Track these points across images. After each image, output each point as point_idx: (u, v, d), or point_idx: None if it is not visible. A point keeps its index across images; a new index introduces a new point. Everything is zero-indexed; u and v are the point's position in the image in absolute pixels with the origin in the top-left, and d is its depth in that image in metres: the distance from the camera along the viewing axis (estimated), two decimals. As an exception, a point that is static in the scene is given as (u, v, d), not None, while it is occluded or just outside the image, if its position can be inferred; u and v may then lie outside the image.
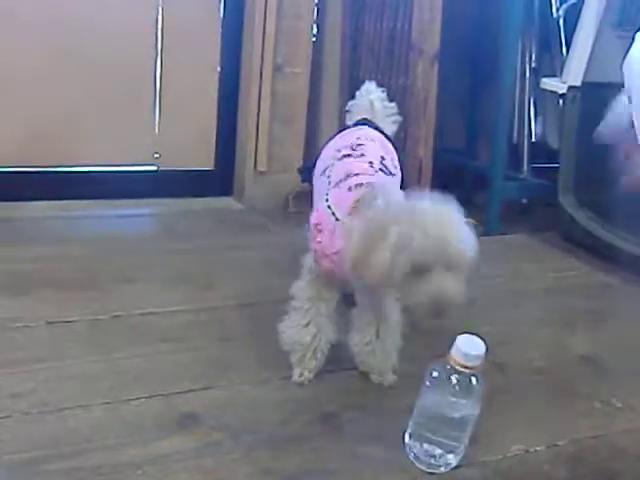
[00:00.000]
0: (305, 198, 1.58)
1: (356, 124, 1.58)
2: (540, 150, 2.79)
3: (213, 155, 2.68)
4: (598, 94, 2.30)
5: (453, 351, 1.11)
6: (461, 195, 3.09)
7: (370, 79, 1.66)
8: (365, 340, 1.40)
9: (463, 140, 3.08)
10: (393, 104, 1.66)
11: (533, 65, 2.74)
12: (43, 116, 2.39)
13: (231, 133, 2.66)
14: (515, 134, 2.78)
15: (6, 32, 2.28)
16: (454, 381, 1.11)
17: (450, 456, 1.16)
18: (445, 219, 1.16)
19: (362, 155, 1.37)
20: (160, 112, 2.55)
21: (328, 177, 1.37)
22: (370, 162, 1.36)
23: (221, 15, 2.57)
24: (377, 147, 1.43)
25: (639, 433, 1.33)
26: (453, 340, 1.12)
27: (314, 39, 2.63)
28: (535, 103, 2.76)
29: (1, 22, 2.27)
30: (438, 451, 1.15)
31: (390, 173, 1.40)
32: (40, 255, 1.93)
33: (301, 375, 1.38)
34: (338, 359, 1.44)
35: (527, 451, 1.24)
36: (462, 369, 1.10)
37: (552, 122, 2.69)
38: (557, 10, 2.69)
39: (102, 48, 2.40)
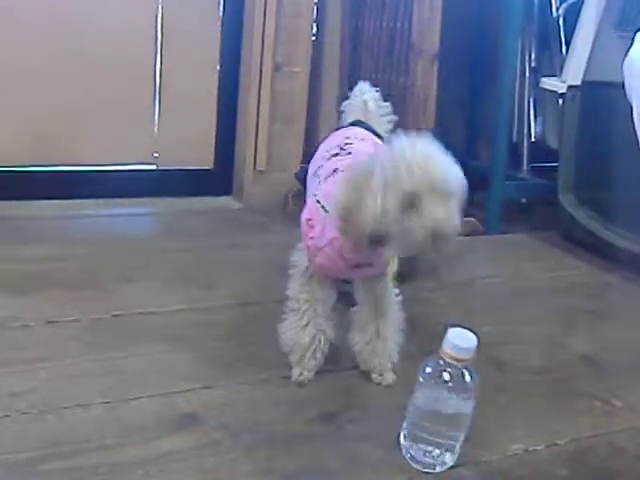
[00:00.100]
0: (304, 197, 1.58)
1: (351, 125, 1.58)
2: (540, 149, 2.79)
3: (212, 154, 2.68)
4: (598, 93, 2.31)
5: (444, 344, 1.11)
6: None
7: (370, 79, 1.66)
8: (366, 339, 1.40)
9: (463, 139, 3.08)
10: (387, 104, 1.66)
11: (533, 64, 2.74)
12: (43, 116, 2.39)
13: (230, 132, 2.66)
14: (515, 133, 2.78)
15: (6, 32, 2.28)
16: (447, 376, 1.11)
17: (447, 455, 1.16)
18: (427, 150, 1.16)
19: (350, 153, 1.38)
20: (160, 111, 2.55)
21: (318, 177, 1.38)
22: None
23: (221, 14, 2.57)
24: (367, 146, 1.43)
25: (639, 433, 1.33)
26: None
27: (314, 38, 2.63)
28: (535, 102, 2.76)
29: (1, 22, 2.27)
30: (434, 451, 1.15)
31: None
32: (40, 255, 1.92)
33: (301, 374, 1.38)
34: (338, 359, 1.44)
35: (527, 450, 1.24)
36: (454, 362, 1.10)
37: (552, 121, 2.69)
38: (557, 9, 2.69)
39: (102, 48, 2.41)
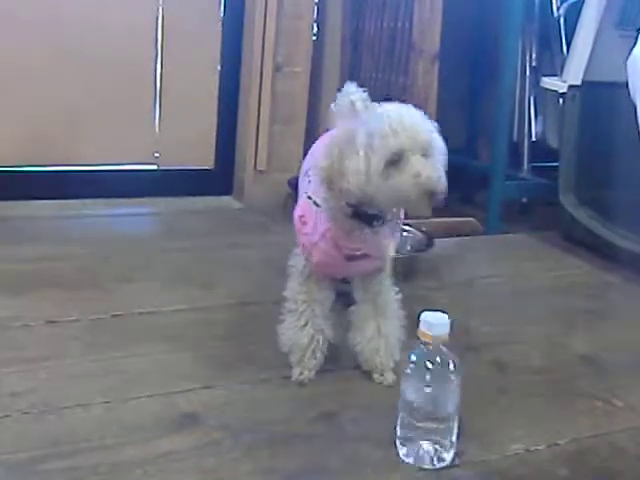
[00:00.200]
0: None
1: None
2: (540, 149, 2.78)
3: (213, 154, 2.68)
4: (598, 93, 2.31)
5: (420, 326, 1.13)
6: (461, 195, 3.12)
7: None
8: (367, 336, 1.39)
9: (463, 139, 3.08)
10: (375, 104, 1.66)
11: (533, 64, 2.74)
12: (43, 116, 2.39)
13: (231, 132, 2.66)
14: (515, 133, 2.78)
15: (6, 32, 2.28)
16: (429, 359, 1.12)
17: (442, 449, 1.16)
18: (408, 111, 1.21)
19: None
20: (160, 111, 2.55)
21: (308, 176, 1.39)
22: None
23: (221, 15, 2.57)
24: None
25: (639, 433, 1.32)
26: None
27: (314, 38, 2.63)
28: (535, 102, 2.76)
29: (1, 22, 2.27)
30: (429, 448, 1.15)
31: None
32: (40, 255, 1.93)
33: (301, 374, 1.38)
34: (338, 359, 1.44)
35: (527, 450, 1.24)
36: (429, 340, 1.12)
37: (552, 121, 2.69)
38: (557, 9, 2.68)
39: (102, 48, 2.41)
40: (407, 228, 2.06)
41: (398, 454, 1.17)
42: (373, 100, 1.29)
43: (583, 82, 2.36)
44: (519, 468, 1.19)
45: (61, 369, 1.37)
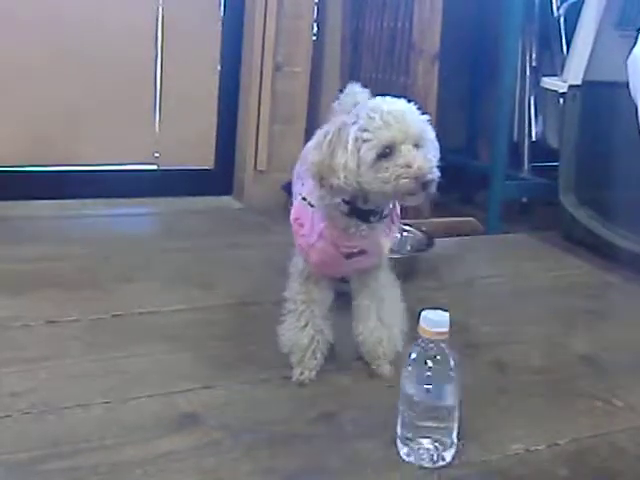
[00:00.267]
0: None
1: None
2: (540, 149, 2.79)
3: (213, 154, 2.68)
4: (599, 93, 2.30)
5: (420, 322, 1.13)
6: (461, 195, 3.12)
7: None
8: (370, 327, 1.39)
9: (463, 139, 3.08)
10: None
11: (533, 64, 2.74)
12: (43, 116, 2.39)
13: (231, 132, 2.66)
14: (515, 133, 2.78)
15: (6, 32, 2.28)
16: (430, 356, 1.12)
17: (442, 448, 1.16)
18: (399, 104, 1.21)
19: None
20: (160, 111, 2.55)
21: (301, 179, 1.40)
22: None
23: (221, 15, 2.57)
24: None
25: (639, 433, 1.32)
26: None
27: (314, 38, 2.63)
28: (535, 102, 2.76)
29: (1, 22, 2.27)
30: (429, 446, 1.15)
31: None
32: (40, 255, 1.93)
33: (301, 374, 1.38)
34: (338, 359, 1.44)
35: (527, 450, 1.24)
36: (432, 337, 1.12)
37: (552, 121, 2.69)
38: (557, 9, 2.69)
39: (102, 48, 2.41)
40: (407, 228, 2.07)
41: (398, 453, 1.17)
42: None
43: (583, 82, 2.36)
44: (519, 468, 1.19)
45: (61, 369, 1.37)
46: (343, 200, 1.25)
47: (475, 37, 2.98)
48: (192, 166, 2.67)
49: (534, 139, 2.79)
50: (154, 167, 2.61)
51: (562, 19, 2.67)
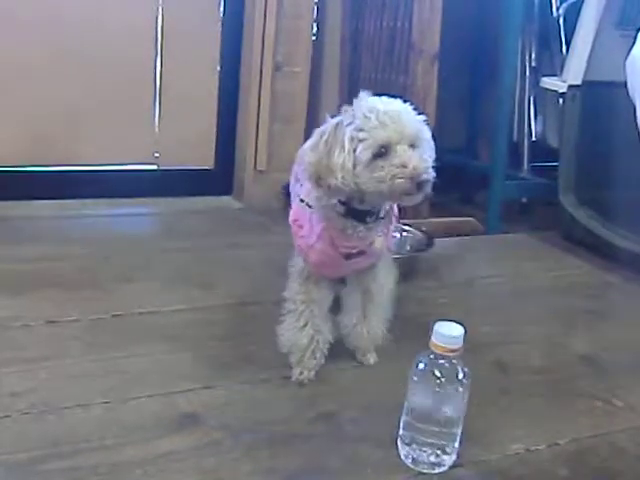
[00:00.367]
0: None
1: None
2: (540, 149, 2.79)
3: (213, 154, 2.68)
4: (598, 93, 2.30)
5: (433, 337, 1.11)
6: (461, 195, 3.12)
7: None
8: (353, 322, 1.43)
9: (463, 139, 3.08)
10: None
11: (533, 64, 2.74)
12: (43, 116, 2.39)
13: (231, 132, 2.66)
14: (515, 133, 2.78)
15: (6, 32, 2.28)
16: (438, 371, 1.11)
17: (445, 457, 1.16)
18: (395, 104, 1.21)
19: None
20: (160, 111, 2.55)
21: (298, 181, 1.40)
22: None
23: (221, 14, 2.57)
24: None
25: (639, 433, 1.32)
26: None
27: (314, 38, 2.63)
28: (535, 102, 2.76)
29: (1, 22, 2.27)
30: (431, 451, 1.15)
31: None
32: (40, 255, 1.92)
33: (301, 374, 1.38)
34: (338, 358, 1.44)
35: (527, 450, 1.24)
36: (444, 353, 1.10)
37: (552, 121, 2.69)
38: (557, 9, 2.69)
39: (102, 48, 2.41)
40: (407, 228, 2.07)
41: (398, 454, 1.17)
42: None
43: (583, 82, 2.36)
44: (519, 468, 1.19)
45: (61, 369, 1.37)
46: (339, 201, 1.25)
47: (475, 37, 2.98)
48: (192, 166, 2.67)
49: (534, 139, 2.79)
50: (154, 167, 2.61)
51: (562, 19, 2.67)
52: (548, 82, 2.49)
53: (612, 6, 2.31)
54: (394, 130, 1.16)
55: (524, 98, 2.75)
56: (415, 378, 1.14)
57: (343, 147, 1.17)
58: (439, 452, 1.15)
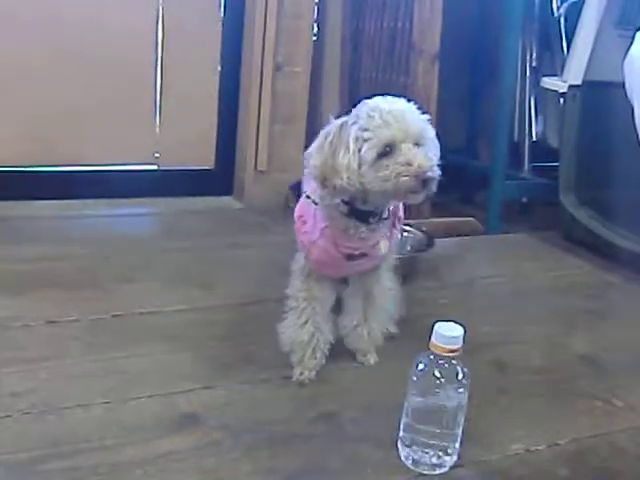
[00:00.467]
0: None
1: None
2: (541, 149, 2.79)
3: (213, 154, 2.68)
4: (599, 93, 2.30)
5: (433, 338, 1.11)
6: (461, 195, 3.12)
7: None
8: (353, 323, 1.44)
9: (463, 139, 3.08)
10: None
11: (533, 64, 2.74)
12: (43, 116, 2.39)
13: (231, 132, 2.66)
14: (516, 133, 2.78)
15: (6, 32, 2.28)
16: (438, 371, 1.11)
17: (447, 458, 1.16)
18: (399, 103, 1.22)
19: None
20: (160, 112, 2.55)
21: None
22: None
23: (221, 15, 2.57)
24: None
25: (639, 433, 1.32)
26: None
27: (314, 38, 2.63)
28: (536, 102, 2.76)
29: (1, 22, 2.27)
30: (433, 453, 1.15)
31: None
32: (40, 255, 1.93)
33: (301, 374, 1.38)
34: (338, 358, 1.44)
35: (527, 450, 1.24)
36: (444, 354, 1.10)
37: (553, 121, 2.69)
38: (557, 9, 2.69)
39: (102, 48, 2.41)
40: (407, 228, 2.06)
41: (398, 455, 1.17)
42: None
43: (583, 82, 2.36)
44: (519, 468, 1.19)
45: (61, 369, 1.37)
46: (342, 201, 1.25)
47: (475, 37, 2.98)
48: (192, 166, 2.67)
49: (534, 139, 2.79)
50: (154, 167, 2.61)
51: (562, 19, 2.67)
52: (548, 82, 2.49)
53: (612, 6, 2.31)
54: (398, 129, 1.16)
55: (524, 98, 2.75)
56: (415, 378, 1.14)
57: (348, 147, 1.18)
58: (441, 453, 1.15)
